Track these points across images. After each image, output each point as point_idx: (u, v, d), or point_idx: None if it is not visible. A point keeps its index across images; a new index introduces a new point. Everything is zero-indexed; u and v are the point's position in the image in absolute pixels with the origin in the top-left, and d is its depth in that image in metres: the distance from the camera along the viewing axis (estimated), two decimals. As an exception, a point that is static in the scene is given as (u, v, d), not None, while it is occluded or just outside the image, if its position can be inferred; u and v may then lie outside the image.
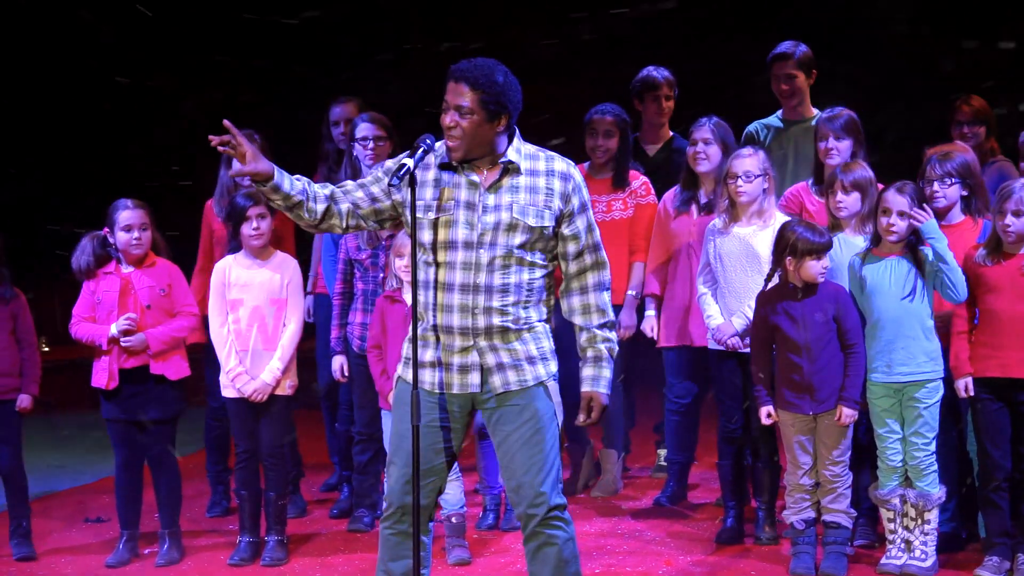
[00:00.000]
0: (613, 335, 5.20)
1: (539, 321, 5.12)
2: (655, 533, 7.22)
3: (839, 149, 7.03)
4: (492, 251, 5.01)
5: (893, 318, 6.38)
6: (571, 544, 5.11)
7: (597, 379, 5.16)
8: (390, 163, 5.16)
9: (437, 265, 5.04)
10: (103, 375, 6.84)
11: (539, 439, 5.05)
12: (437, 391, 5.10)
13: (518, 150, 5.10)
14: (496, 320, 5.02)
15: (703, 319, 7.22)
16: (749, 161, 6.81)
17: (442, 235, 5.04)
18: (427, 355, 5.10)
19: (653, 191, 7.80)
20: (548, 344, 5.14)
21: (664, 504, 7.69)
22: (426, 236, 5.06)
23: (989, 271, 6.36)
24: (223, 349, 6.87)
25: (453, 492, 6.80)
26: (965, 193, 6.59)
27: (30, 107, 13.44)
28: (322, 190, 5.16)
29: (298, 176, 5.14)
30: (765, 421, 6.55)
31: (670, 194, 7.57)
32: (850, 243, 6.67)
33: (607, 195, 7.80)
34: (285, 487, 7.03)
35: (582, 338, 5.19)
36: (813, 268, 6.40)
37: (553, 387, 5.12)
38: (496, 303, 5.01)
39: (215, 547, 7.20)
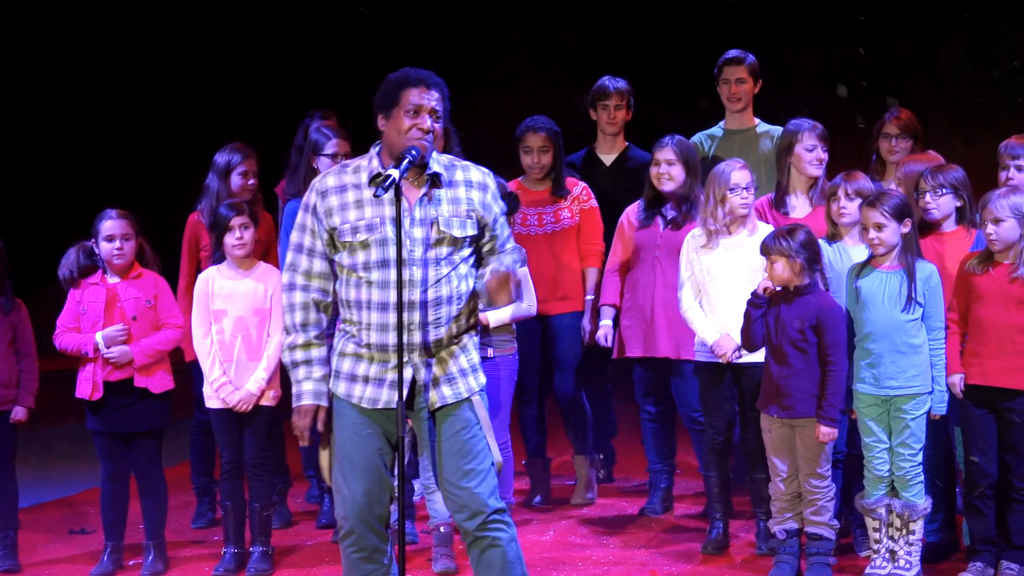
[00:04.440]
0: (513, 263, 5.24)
1: (467, 331, 5.20)
2: (639, 543, 7.22)
3: (820, 159, 7.12)
4: (424, 267, 5.06)
5: (883, 331, 6.39)
6: (515, 545, 5.17)
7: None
8: (310, 221, 5.15)
9: (369, 284, 5.07)
10: (87, 386, 6.82)
11: (472, 448, 5.12)
12: (368, 406, 5.14)
13: (438, 161, 5.16)
14: (431, 335, 5.08)
15: (669, 330, 7.31)
16: (745, 172, 6.84)
17: (374, 254, 5.07)
18: (359, 370, 5.13)
19: (593, 195, 7.85)
20: (476, 356, 5.23)
21: (649, 514, 7.69)
22: (359, 257, 5.09)
23: (979, 280, 6.40)
24: (207, 360, 6.85)
25: (441, 503, 6.80)
26: (959, 204, 6.63)
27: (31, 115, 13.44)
28: (314, 313, 5.20)
29: (314, 361, 5.17)
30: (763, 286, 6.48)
31: (634, 208, 7.58)
32: (849, 252, 6.68)
33: (552, 205, 7.84)
34: (269, 498, 7.02)
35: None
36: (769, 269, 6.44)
37: (483, 399, 5.20)
38: (431, 317, 5.07)
39: (200, 558, 7.18)
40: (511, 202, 7.06)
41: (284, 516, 7.77)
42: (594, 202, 7.86)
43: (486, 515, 5.10)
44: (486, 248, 5.25)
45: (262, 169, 7.77)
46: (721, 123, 8.09)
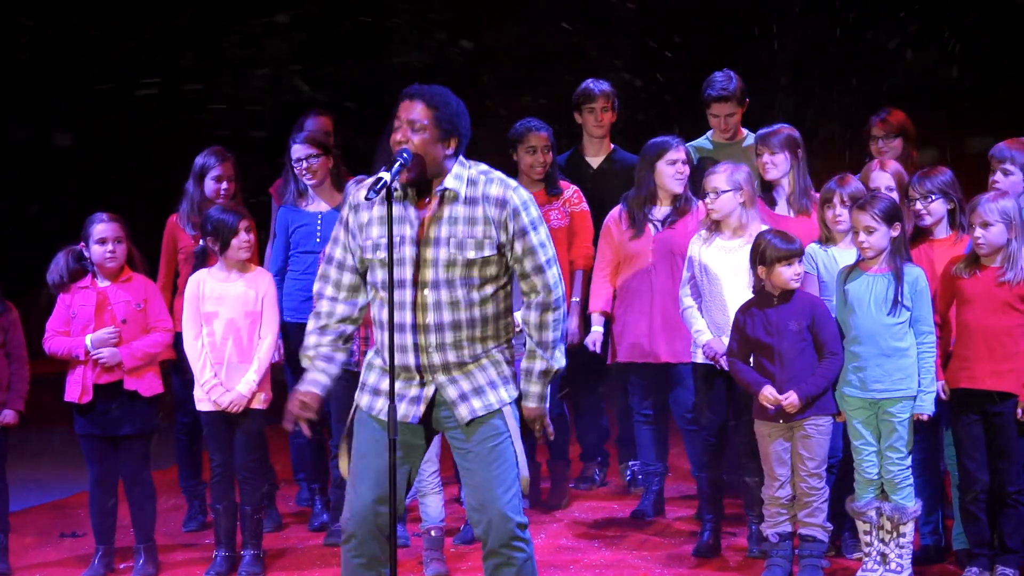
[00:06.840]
0: (549, 354, 5.09)
1: (496, 348, 5.05)
2: (631, 546, 7.22)
3: (774, 162, 7.13)
4: (436, 290, 4.94)
5: (869, 334, 6.39)
6: (529, 564, 5.06)
7: (527, 395, 5.11)
8: (343, 235, 5.09)
9: (388, 304, 4.96)
10: (76, 388, 6.81)
11: (500, 460, 5.02)
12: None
13: (458, 176, 4.98)
14: (451, 356, 4.97)
15: (667, 335, 7.31)
16: (717, 177, 6.84)
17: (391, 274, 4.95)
18: (383, 385, 5.04)
19: (584, 199, 7.85)
20: (507, 369, 5.08)
21: (641, 517, 7.69)
22: (378, 276, 5.01)
23: (965, 283, 6.41)
24: (197, 362, 6.83)
25: (433, 505, 6.80)
26: (950, 207, 6.63)
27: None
28: (335, 322, 5.13)
29: (321, 357, 5.13)
30: (770, 399, 6.43)
31: (615, 213, 7.56)
32: (843, 256, 6.66)
33: (542, 206, 7.82)
34: (260, 501, 7.00)
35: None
36: (784, 274, 6.42)
37: (513, 410, 5.07)
38: (449, 339, 4.96)
39: (191, 562, 7.17)
40: None
41: (275, 519, 7.75)
42: (585, 205, 7.85)
43: (506, 530, 4.99)
44: (517, 269, 5.04)
45: (248, 173, 7.76)
46: (708, 134, 8.05)
